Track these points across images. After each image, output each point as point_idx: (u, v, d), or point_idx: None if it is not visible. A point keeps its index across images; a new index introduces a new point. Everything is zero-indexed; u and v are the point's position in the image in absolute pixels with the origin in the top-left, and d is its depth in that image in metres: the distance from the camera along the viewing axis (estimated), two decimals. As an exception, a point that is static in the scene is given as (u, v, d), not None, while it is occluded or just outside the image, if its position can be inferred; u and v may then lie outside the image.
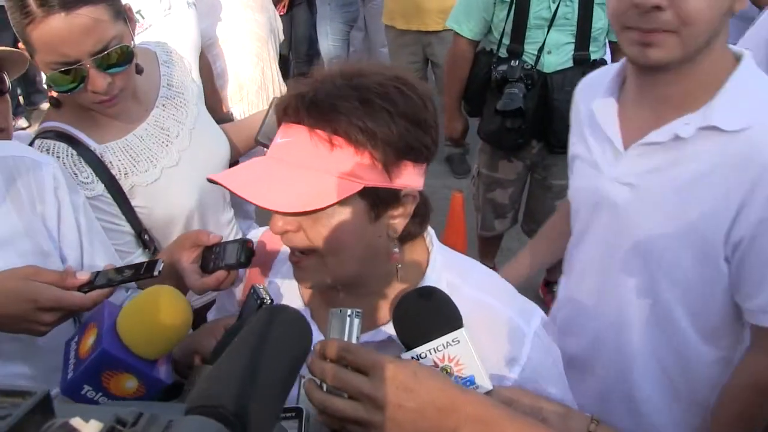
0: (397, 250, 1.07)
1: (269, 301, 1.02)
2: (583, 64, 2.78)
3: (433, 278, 1.09)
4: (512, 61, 2.78)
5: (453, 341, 0.90)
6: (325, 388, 0.85)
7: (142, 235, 1.62)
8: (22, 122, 5.47)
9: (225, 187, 0.97)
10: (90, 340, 0.98)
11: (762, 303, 1.30)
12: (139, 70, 1.60)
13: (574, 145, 1.56)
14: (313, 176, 0.95)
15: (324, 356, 0.86)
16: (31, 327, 1.13)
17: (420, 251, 1.13)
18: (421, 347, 0.90)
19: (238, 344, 0.75)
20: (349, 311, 0.88)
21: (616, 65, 1.44)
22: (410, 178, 1.01)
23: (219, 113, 2.86)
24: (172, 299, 0.99)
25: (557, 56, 2.80)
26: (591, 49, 2.79)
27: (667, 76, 1.27)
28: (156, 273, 1.13)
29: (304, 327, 0.81)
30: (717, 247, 1.29)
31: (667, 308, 1.39)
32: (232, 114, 2.93)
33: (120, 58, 1.47)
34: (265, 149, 1.78)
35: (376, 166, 0.96)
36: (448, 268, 1.12)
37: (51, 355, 1.18)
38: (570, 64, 2.80)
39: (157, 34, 2.11)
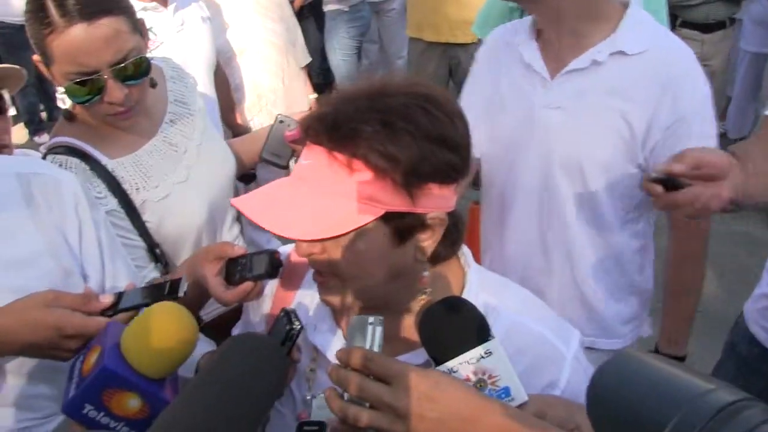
0: (426, 273, 1.04)
1: (298, 327, 0.99)
2: None
3: (470, 299, 1.05)
4: None
5: (485, 353, 0.87)
6: (346, 397, 0.83)
7: (154, 249, 1.62)
8: (45, 138, 5.54)
9: (244, 215, 0.96)
10: (93, 358, 0.97)
11: None
12: (153, 84, 1.61)
13: (489, 96, 1.77)
14: (333, 201, 0.93)
15: (345, 364, 0.84)
16: (56, 354, 1.10)
17: (454, 272, 1.11)
18: (452, 361, 0.87)
19: (196, 383, 0.74)
20: (370, 319, 0.86)
21: (526, 20, 1.75)
22: (436, 200, 0.98)
23: (237, 128, 2.87)
24: (176, 316, 0.97)
25: None
26: None
27: (576, 23, 1.59)
28: (181, 294, 1.11)
29: (275, 360, 0.81)
30: (636, 149, 1.59)
31: (599, 209, 1.68)
32: (250, 126, 2.93)
33: (137, 70, 1.48)
34: (270, 165, 1.80)
35: (398, 191, 0.93)
36: (484, 289, 1.09)
37: None
38: None
39: (170, 51, 2.12)
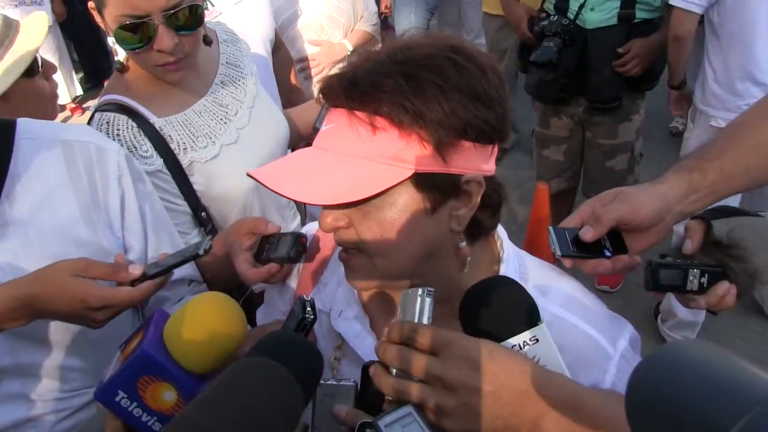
0: (464, 243, 0.94)
1: (311, 318, 0.92)
2: (628, 22, 2.83)
3: None
4: (552, 16, 2.87)
5: (531, 340, 0.78)
6: (394, 372, 0.77)
7: (199, 212, 1.58)
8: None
9: (261, 184, 0.87)
10: (134, 344, 0.91)
11: None
12: (207, 42, 1.58)
13: None
14: (356, 164, 0.85)
15: (391, 339, 0.78)
16: (85, 323, 1.10)
17: (489, 253, 1.01)
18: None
19: (189, 410, 0.67)
20: (420, 290, 0.79)
21: None
22: (472, 161, 0.88)
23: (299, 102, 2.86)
24: (223, 310, 0.91)
25: (600, 13, 2.84)
26: (638, 8, 2.81)
27: None
28: (201, 252, 1.08)
29: (289, 392, 0.70)
30: None
31: None
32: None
33: (190, 20, 1.44)
34: None
35: (426, 149, 0.85)
36: (523, 275, 1.00)
37: (103, 347, 1.16)
38: (614, 21, 2.84)
39: (227, 23, 2.10)
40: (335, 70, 0.91)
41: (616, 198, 1.04)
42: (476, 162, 0.89)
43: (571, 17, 2.88)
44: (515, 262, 1.01)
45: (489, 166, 0.92)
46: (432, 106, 0.84)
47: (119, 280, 1.10)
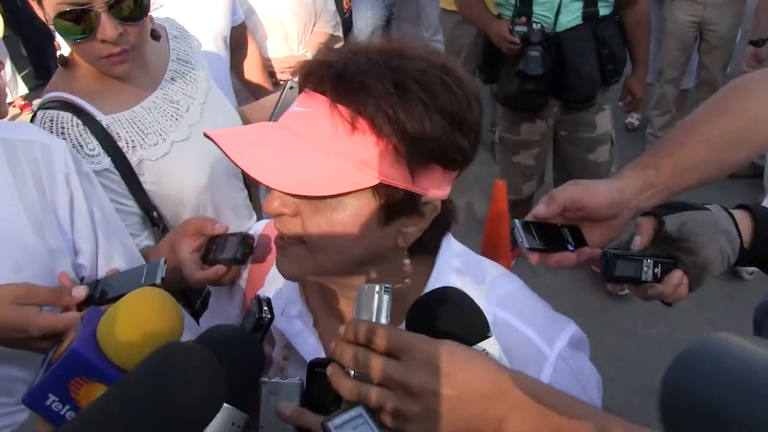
0: (408, 261, 0.93)
1: (268, 317, 0.89)
2: (592, 20, 2.88)
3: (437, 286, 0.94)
4: (533, 24, 2.86)
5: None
6: (353, 374, 0.75)
7: (150, 212, 1.54)
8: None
9: (219, 146, 0.83)
10: (65, 344, 0.86)
11: None
12: (156, 36, 1.53)
13: None
14: (325, 158, 0.82)
15: (348, 339, 0.75)
16: (29, 350, 1.05)
17: (429, 265, 0.99)
18: None
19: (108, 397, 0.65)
20: (377, 287, 0.77)
21: None
22: (436, 184, 0.88)
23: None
24: (158, 305, 0.86)
25: (566, 15, 2.89)
26: (600, 5, 2.87)
27: None
28: (158, 280, 1.04)
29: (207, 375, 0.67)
30: None
31: None
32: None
33: (135, 10, 1.40)
34: None
35: (399, 163, 0.83)
36: (461, 276, 0.98)
37: None
38: (579, 21, 2.88)
39: (170, 15, 2.04)
40: (320, 56, 0.87)
41: (572, 182, 1.06)
42: (439, 185, 0.89)
43: (545, 23, 2.86)
44: (450, 266, 0.99)
45: (447, 191, 0.91)
46: (415, 122, 0.82)
47: (63, 305, 1.05)
